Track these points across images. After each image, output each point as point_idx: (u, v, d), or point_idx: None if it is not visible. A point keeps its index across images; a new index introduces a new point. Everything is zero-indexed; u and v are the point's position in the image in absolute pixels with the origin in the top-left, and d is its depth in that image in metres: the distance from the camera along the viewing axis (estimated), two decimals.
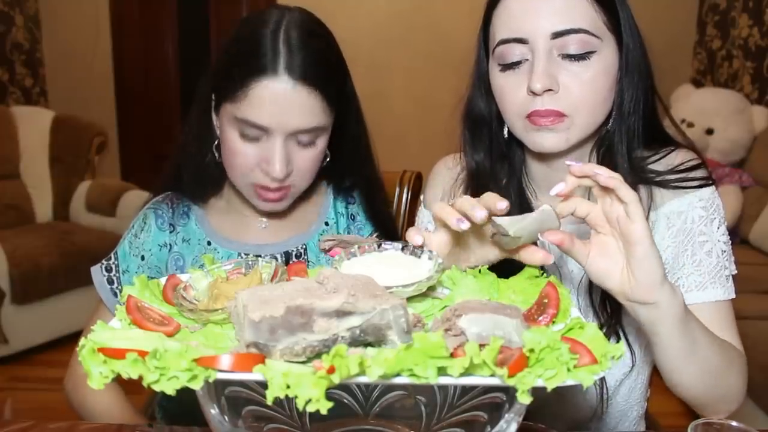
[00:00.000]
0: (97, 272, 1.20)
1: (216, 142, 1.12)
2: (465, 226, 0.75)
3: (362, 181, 1.24)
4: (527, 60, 0.92)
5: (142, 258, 1.18)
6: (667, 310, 0.77)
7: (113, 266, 1.19)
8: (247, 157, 1.05)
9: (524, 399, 0.54)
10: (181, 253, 1.18)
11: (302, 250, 1.20)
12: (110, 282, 1.19)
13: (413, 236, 0.79)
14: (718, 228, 0.99)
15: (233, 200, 1.21)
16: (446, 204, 0.79)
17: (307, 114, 1.03)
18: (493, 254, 0.83)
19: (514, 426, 0.64)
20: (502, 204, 0.74)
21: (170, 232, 1.19)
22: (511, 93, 0.94)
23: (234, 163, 1.07)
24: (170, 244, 1.19)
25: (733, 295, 0.98)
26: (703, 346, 0.84)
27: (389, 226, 1.27)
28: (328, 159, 1.15)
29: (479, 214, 0.73)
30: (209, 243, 1.19)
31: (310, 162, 1.08)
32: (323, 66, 1.04)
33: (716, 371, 0.87)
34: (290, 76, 1.00)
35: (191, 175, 1.17)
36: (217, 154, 1.13)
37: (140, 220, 1.21)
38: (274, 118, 1.01)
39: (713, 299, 0.96)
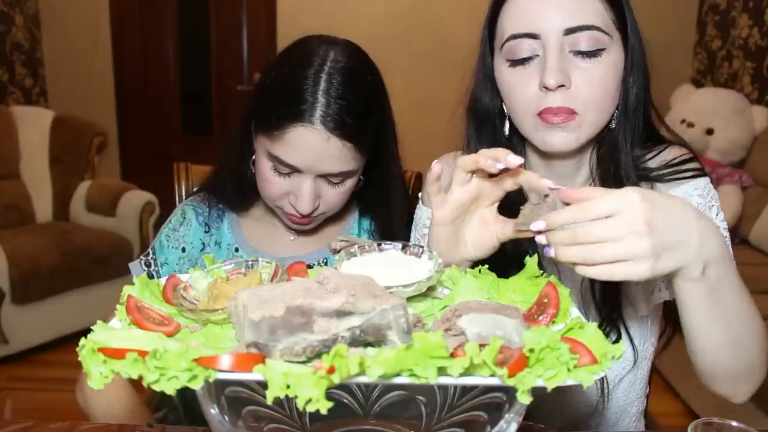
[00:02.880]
0: (136, 267, 1.21)
1: (254, 157, 1.14)
2: (500, 165, 0.76)
3: (388, 204, 1.25)
4: (538, 56, 0.92)
5: (183, 250, 1.21)
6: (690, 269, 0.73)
7: (152, 261, 1.22)
8: (277, 186, 1.09)
9: (524, 399, 0.54)
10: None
11: (323, 263, 1.23)
12: (150, 276, 1.21)
13: (434, 165, 0.82)
14: (717, 215, 1.00)
15: (268, 211, 1.24)
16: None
17: (338, 161, 1.05)
18: (490, 241, 0.84)
19: (514, 426, 0.64)
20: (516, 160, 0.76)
21: (205, 232, 1.23)
22: (521, 89, 0.94)
23: (265, 190, 1.12)
24: (204, 243, 1.22)
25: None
26: (729, 295, 0.77)
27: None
28: (360, 184, 1.18)
29: (514, 159, 0.76)
30: (237, 250, 1.22)
31: (338, 196, 1.12)
32: (359, 116, 1.05)
33: (743, 324, 0.81)
34: (326, 128, 1.02)
35: (233, 186, 1.21)
36: (253, 168, 1.15)
37: (178, 215, 1.24)
38: (306, 162, 1.04)
39: None
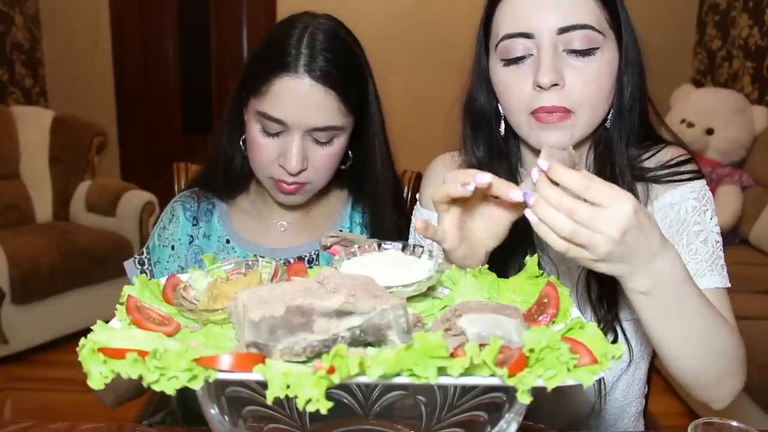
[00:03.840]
0: (130, 266, 1.24)
1: (243, 137, 1.16)
2: (471, 187, 0.77)
3: (377, 194, 1.25)
4: (532, 55, 0.93)
5: (172, 248, 1.22)
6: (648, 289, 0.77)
7: (146, 260, 1.23)
8: (267, 150, 1.10)
9: (524, 399, 0.54)
10: (200, 247, 1.23)
11: (315, 255, 1.23)
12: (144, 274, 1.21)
13: (417, 223, 0.81)
14: (711, 219, 1.00)
15: (257, 201, 1.26)
16: (438, 185, 0.81)
17: (323, 113, 1.07)
18: (502, 228, 0.86)
19: (514, 426, 0.64)
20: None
21: (193, 225, 1.23)
22: (516, 88, 0.94)
23: (255, 156, 1.12)
24: (192, 237, 1.23)
25: (729, 285, 0.99)
26: (686, 312, 0.81)
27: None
28: (350, 162, 1.19)
29: (482, 178, 0.76)
30: (228, 241, 1.23)
31: (326, 159, 1.12)
32: (343, 69, 1.08)
33: (704, 337, 0.83)
34: (309, 76, 1.05)
35: (221, 170, 1.22)
36: (243, 148, 1.17)
37: (168, 213, 1.25)
38: (292, 113, 1.06)
39: (711, 286, 0.97)
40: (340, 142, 1.12)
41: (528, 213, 0.73)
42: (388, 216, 1.24)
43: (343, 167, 1.19)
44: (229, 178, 1.22)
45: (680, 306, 0.80)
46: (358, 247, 0.82)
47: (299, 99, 1.05)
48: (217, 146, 1.22)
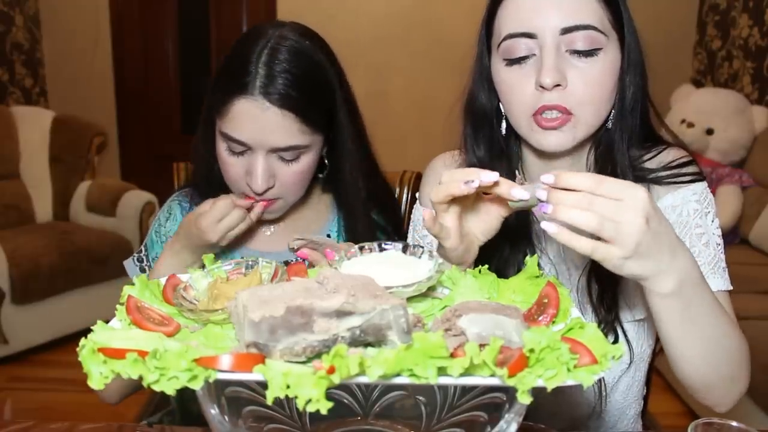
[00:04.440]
0: (129, 264, 1.24)
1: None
2: (475, 184, 0.76)
3: (350, 199, 1.24)
4: (534, 55, 0.92)
5: None
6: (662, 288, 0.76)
7: (144, 257, 1.24)
8: (234, 168, 1.10)
9: (524, 399, 0.54)
10: None
11: (300, 259, 1.21)
12: (143, 271, 1.23)
13: (424, 212, 0.81)
14: (713, 221, 1.00)
15: None
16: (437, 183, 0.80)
17: (283, 133, 1.06)
18: (496, 222, 0.85)
19: (514, 426, 0.64)
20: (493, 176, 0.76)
21: None
22: (518, 88, 0.94)
23: (226, 175, 1.13)
24: None
25: (731, 287, 0.99)
26: (702, 313, 0.81)
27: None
28: (326, 171, 1.18)
29: (487, 177, 0.75)
30: None
31: (293, 176, 1.11)
32: (303, 89, 1.06)
33: (716, 339, 0.84)
34: (265, 98, 1.04)
35: (203, 177, 1.22)
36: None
37: (165, 211, 1.26)
38: (251, 135, 1.05)
39: (714, 289, 0.96)
40: (308, 158, 1.11)
41: (545, 225, 0.72)
42: (361, 221, 1.23)
43: (320, 176, 1.19)
44: (212, 185, 1.22)
45: (699, 306, 0.79)
46: (360, 248, 0.82)
47: (257, 121, 1.04)
48: (197, 156, 1.22)
